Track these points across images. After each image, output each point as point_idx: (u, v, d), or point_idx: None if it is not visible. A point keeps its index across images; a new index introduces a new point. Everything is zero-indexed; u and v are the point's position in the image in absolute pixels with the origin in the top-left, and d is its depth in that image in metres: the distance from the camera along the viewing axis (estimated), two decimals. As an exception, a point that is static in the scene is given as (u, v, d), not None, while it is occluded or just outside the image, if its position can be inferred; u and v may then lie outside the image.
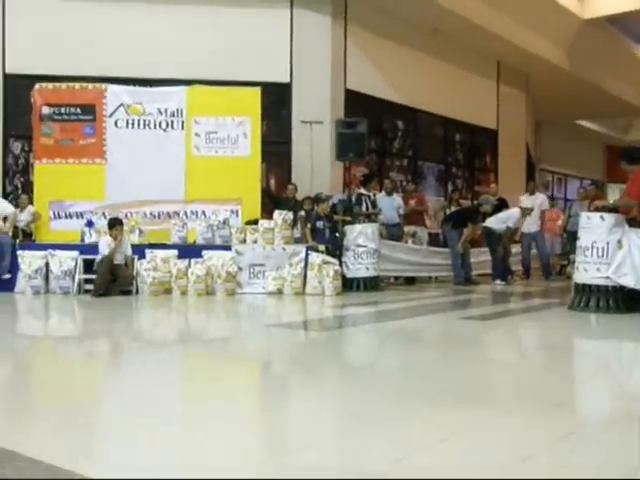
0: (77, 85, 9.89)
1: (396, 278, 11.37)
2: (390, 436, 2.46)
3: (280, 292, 8.76)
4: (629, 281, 6.52)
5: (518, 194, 12.64)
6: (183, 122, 9.78)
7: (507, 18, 13.90)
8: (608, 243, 6.63)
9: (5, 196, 10.25)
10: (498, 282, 10.73)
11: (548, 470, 2.11)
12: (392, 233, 10.96)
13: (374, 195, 10.97)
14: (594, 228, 6.70)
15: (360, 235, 9.41)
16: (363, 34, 12.24)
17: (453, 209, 12.39)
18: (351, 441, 2.45)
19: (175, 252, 8.92)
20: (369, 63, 12.43)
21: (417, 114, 13.90)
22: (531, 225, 11.86)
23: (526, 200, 12.04)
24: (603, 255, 6.64)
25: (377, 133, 12.97)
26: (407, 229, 11.60)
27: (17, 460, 2.12)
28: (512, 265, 11.81)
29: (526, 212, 11.21)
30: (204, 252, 8.96)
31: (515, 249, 12.15)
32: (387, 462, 2.15)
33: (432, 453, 2.25)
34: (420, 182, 13.45)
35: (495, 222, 10.88)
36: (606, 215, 6.72)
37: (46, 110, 9.70)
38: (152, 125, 9.78)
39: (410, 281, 11.17)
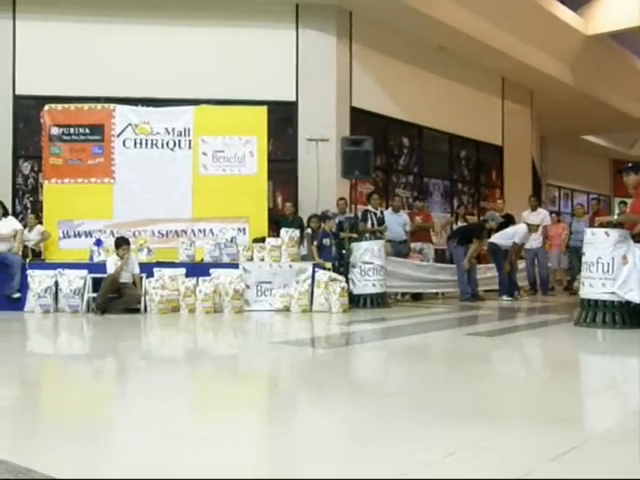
0: (86, 106, 10.03)
1: (403, 294, 11.40)
2: (395, 452, 2.50)
3: (287, 309, 8.80)
4: (635, 296, 6.54)
5: (524, 209, 12.68)
6: (190, 141, 9.89)
7: (511, 35, 14.02)
8: (613, 258, 6.65)
9: (15, 216, 10.33)
10: (505, 298, 10.75)
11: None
12: (399, 250, 11.01)
13: (381, 212, 11.03)
14: (599, 244, 6.73)
15: (367, 252, 9.45)
16: (368, 52, 12.36)
17: (460, 224, 12.44)
18: (356, 457, 2.48)
19: (183, 270, 8.99)
20: (374, 81, 12.53)
21: (422, 131, 13.98)
22: (533, 241, 11.90)
23: (529, 216, 12.08)
24: (608, 270, 6.66)
25: (383, 150, 13.05)
26: (413, 245, 11.65)
27: (29, 476, 2.17)
28: (519, 281, 11.84)
29: (532, 228, 11.24)
30: (212, 270, 9.02)
31: (522, 265, 12.20)
32: (392, 477, 2.19)
33: (436, 469, 2.29)
34: (426, 198, 13.50)
35: (501, 238, 10.92)
36: (611, 231, 6.76)
37: (55, 131, 9.83)
38: (160, 144, 9.89)
39: (417, 297, 11.20)
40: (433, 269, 11.33)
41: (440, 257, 12.52)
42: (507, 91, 15.93)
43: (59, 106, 9.93)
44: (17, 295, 8.86)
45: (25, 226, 9.83)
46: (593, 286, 6.77)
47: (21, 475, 2.20)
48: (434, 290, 11.47)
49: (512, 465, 2.33)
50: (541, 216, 12.39)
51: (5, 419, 3.16)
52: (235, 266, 9.13)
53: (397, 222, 11.16)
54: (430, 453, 2.46)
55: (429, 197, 14.23)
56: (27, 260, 9.25)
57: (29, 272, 8.89)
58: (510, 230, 11.05)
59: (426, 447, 2.55)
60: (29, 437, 2.80)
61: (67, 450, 2.56)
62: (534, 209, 12.56)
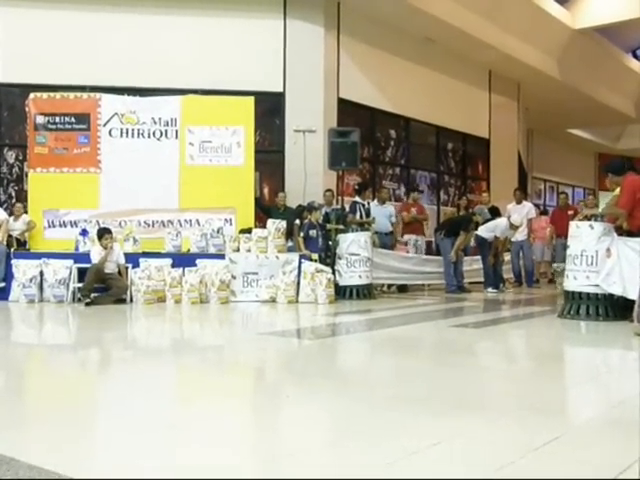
0: (71, 95, 9.96)
1: (389, 286, 11.44)
2: (381, 441, 2.52)
3: (273, 300, 8.81)
4: (617, 289, 6.60)
5: (510, 202, 12.74)
6: (177, 131, 9.85)
7: (498, 28, 14.04)
8: (597, 251, 6.72)
9: (-1, 205, 10.27)
10: (490, 290, 10.82)
11: (528, 474, 2.17)
12: (385, 242, 11.04)
13: (368, 204, 11.06)
14: (583, 237, 6.79)
15: (353, 243, 9.48)
16: (355, 44, 12.34)
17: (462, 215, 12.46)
18: (341, 447, 2.50)
19: (169, 261, 8.97)
20: (361, 72, 12.52)
21: (410, 123, 14.00)
22: (518, 234, 11.96)
23: (513, 210, 12.11)
24: (592, 263, 6.72)
25: (370, 142, 13.05)
26: (407, 237, 11.73)
27: (17, 467, 2.17)
28: (504, 273, 11.92)
29: (513, 227, 11.23)
30: (198, 261, 9.01)
31: (507, 257, 12.28)
32: (377, 466, 2.21)
33: (422, 458, 2.31)
34: (423, 191, 13.58)
35: (484, 231, 10.98)
36: (595, 224, 6.81)
37: (40, 119, 9.75)
38: (146, 134, 9.84)
39: (402, 289, 11.26)
40: (419, 261, 11.38)
41: (428, 249, 12.60)
42: (494, 84, 15.97)
43: (44, 95, 9.86)
44: (1, 285, 8.80)
45: (11, 215, 9.77)
46: (577, 278, 6.84)
47: (5, 465, 2.20)
48: (420, 282, 11.52)
49: (497, 454, 2.36)
50: (526, 209, 12.46)
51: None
52: (221, 257, 9.12)
53: (383, 214, 11.18)
54: (416, 443, 2.48)
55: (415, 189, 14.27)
56: (11, 249, 9.20)
57: (14, 262, 8.83)
58: (491, 224, 11.11)
59: (412, 437, 2.57)
60: (14, 427, 2.79)
61: (52, 440, 2.56)
62: (519, 202, 12.62)
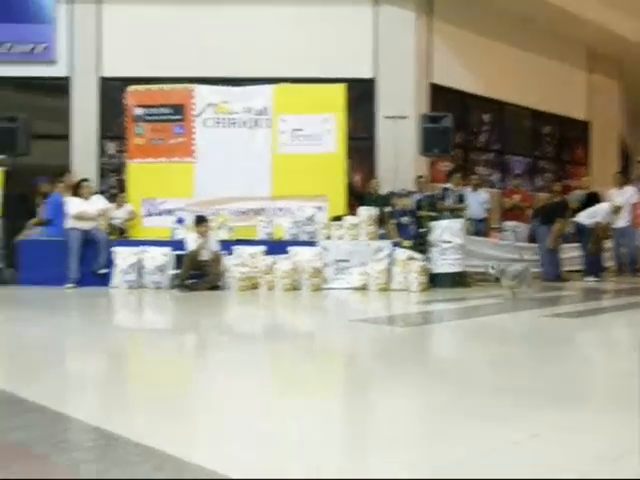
0: (167, 86, 10.23)
1: (483, 274, 11.19)
2: (479, 432, 2.46)
3: (365, 288, 8.79)
4: None
5: (611, 187, 12.21)
6: (269, 120, 9.95)
7: (598, 3, 13.41)
8: None
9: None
10: (589, 279, 10.42)
11: (634, 470, 2.06)
12: (478, 228, 10.82)
13: (461, 190, 10.85)
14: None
15: (446, 230, 9.32)
16: (448, 27, 12.13)
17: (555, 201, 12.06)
18: (435, 438, 2.45)
19: (263, 248, 9.09)
20: (454, 56, 12.29)
21: (504, 107, 13.63)
22: (620, 220, 11.42)
23: (616, 195, 11.59)
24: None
25: (462, 127, 12.80)
26: (509, 224, 11.46)
27: (124, 444, 2.24)
28: (605, 261, 11.43)
29: (615, 209, 10.75)
30: (290, 248, 9.09)
31: (608, 244, 11.76)
32: (473, 458, 2.16)
33: (522, 448, 2.24)
34: (507, 176, 13.20)
35: (585, 217, 10.57)
36: None
37: (138, 111, 10.08)
38: (239, 124, 10.00)
39: (497, 277, 10.98)
40: (513, 248, 11.07)
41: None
42: (593, 63, 15.33)
43: (142, 87, 10.17)
44: (104, 271, 9.17)
45: (114, 203, 10.16)
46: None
47: (112, 441, 2.28)
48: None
49: (600, 448, 2.26)
50: (627, 194, 11.89)
51: (97, 390, 3.29)
52: (313, 244, 9.17)
53: (476, 200, 10.95)
54: (515, 433, 2.40)
55: (509, 175, 13.90)
56: (112, 237, 9.57)
57: (114, 249, 9.19)
58: (592, 209, 10.67)
59: (510, 427, 2.49)
60: (122, 408, 2.89)
61: (155, 420, 2.64)
62: (620, 186, 12.07)
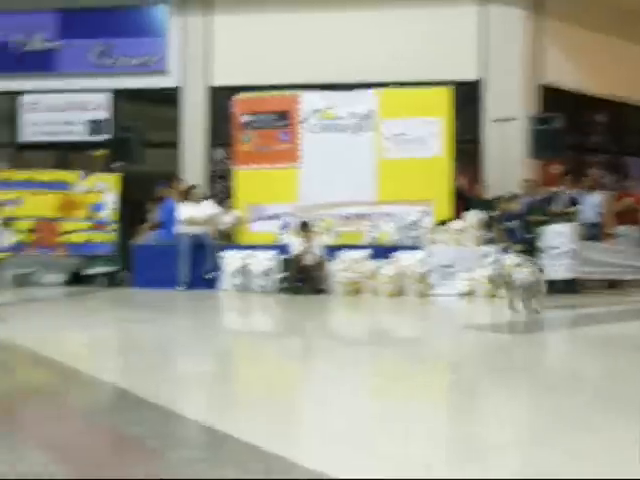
0: (272, 93, 10.39)
1: (599, 281, 10.67)
2: (596, 446, 2.32)
3: (472, 294, 8.59)
4: None
5: None
6: (373, 124, 9.92)
7: None
8: None
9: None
10: None
11: None
12: (592, 233, 10.33)
13: (572, 193, 10.40)
14: None
15: (556, 235, 8.97)
16: (560, 25, 11.68)
17: None
18: (544, 447, 2.33)
19: (367, 252, 9.05)
20: (565, 55, 11.82)
21: (620, 106, 13.01)
22: None
23: None
24: None
25: (574, 128, 12.29)
26: (620, 229, 10.90)
27: (232, 443, 2.26)
28: None
29: None
30: (395, 253, 9.00)
31: None
32: (597, 472, 2.03)
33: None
34: (622, 179, 12.60)
35: None
36: None
37: (245, 118, 10.29)
38: (343, 129, 10.02)
39: (613, 285, 10.46)
40: (631, 254, 10.50)
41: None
42: None
43: (248, 95, 10.38)
44: (212, 275, 9.39)
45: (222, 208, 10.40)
46: None
47: (222, 440, 2.30)
48: (630, 277, 10.62)
49: None
50: None
51: (208, 390, 3.36)
52: (418, 249, 9.05)
53: (590, 203, 10.47)
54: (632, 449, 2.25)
55: (625, 177, 13.25)
56: (220, 242, 9.80)
57: (222, 254, 9.40)
58: None
59: (628, 442, 2.34)
60: (230, 408, 2.93)
61: (264, 421, 2.65)
62: None
